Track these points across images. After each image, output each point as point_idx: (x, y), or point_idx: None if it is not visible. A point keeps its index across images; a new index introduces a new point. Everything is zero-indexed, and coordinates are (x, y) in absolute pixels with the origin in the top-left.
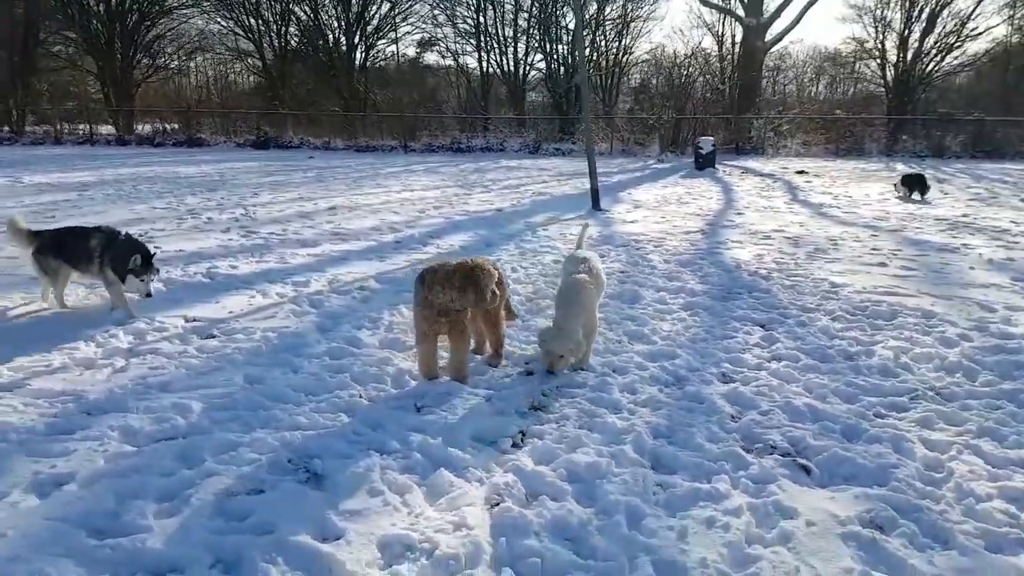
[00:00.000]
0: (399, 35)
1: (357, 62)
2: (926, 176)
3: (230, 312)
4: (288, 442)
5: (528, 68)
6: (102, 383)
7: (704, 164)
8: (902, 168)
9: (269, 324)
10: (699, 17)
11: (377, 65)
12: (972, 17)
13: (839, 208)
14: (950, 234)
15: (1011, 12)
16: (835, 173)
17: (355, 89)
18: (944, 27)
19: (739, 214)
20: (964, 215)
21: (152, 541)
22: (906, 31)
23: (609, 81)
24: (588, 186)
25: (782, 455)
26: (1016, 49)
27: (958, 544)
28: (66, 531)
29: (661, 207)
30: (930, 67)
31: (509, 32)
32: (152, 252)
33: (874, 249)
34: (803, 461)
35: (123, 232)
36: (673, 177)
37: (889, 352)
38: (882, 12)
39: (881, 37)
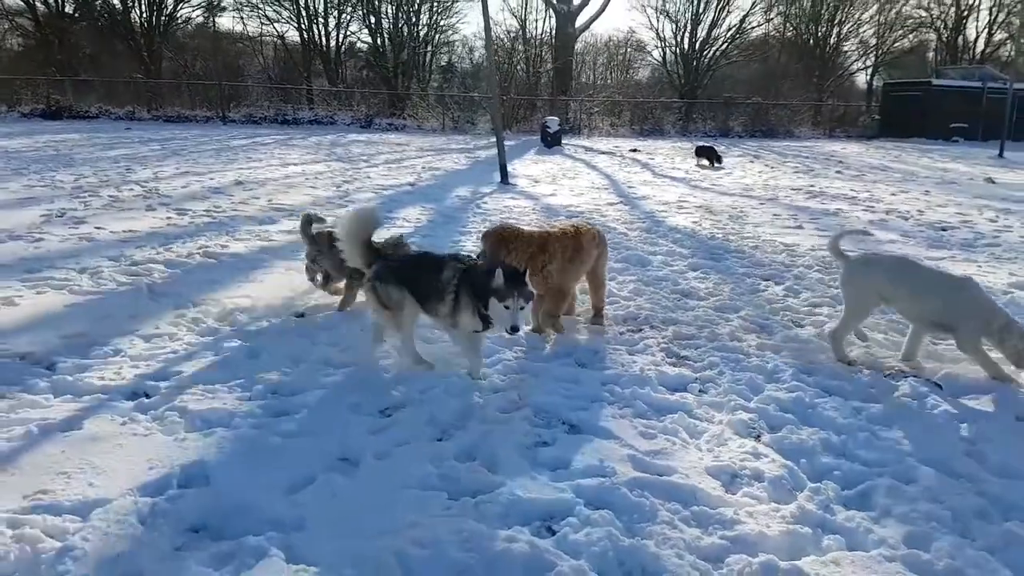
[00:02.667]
0: None
1: (145, 24)
2: (715, 147)
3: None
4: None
5: (344, 40)
6: None
7: (552, 143)
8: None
9: None
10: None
11: (174, 30)
12: (751, 12)
13: (701, 180)
14: (818, 200)
15: (779, 8)
16: (660, 150)
17: (154, 55)
18: (725, 18)
19: (632, 188)
20: (801, 186)
21: None
22: (689, 23)
23: (425, 59)
24: (461, 159)
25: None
26: (783, 40)
27: None
28: None
29: (557, 181)
30: (713, 55)
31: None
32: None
33: (775, 214)
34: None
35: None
36: (530, 154)
37: None
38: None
39: (661, 27)
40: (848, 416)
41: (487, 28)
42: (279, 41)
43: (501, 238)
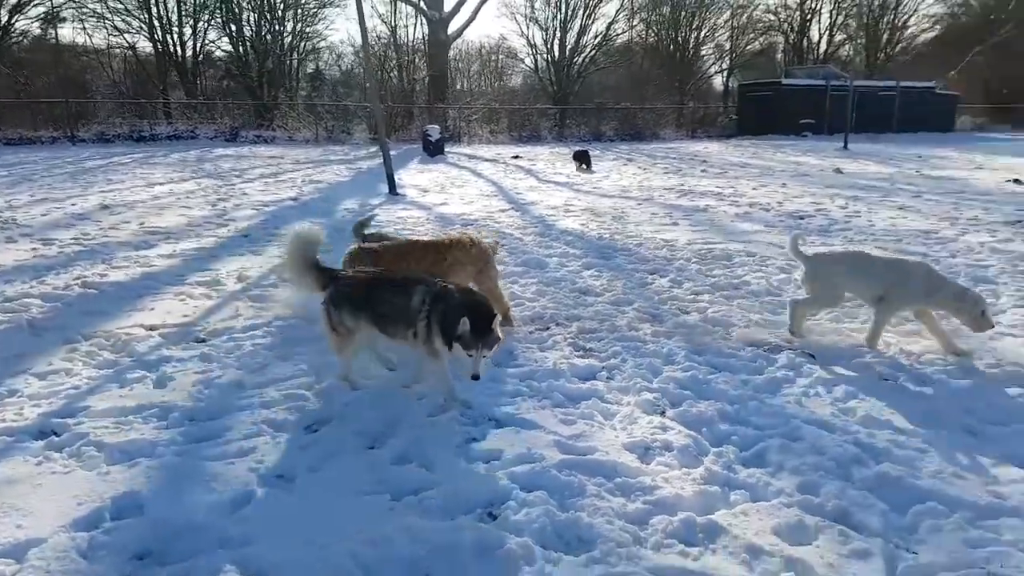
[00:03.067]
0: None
1: None
2: (588, 152)
3: (191, 315)
4: None
5: (201, 49)
6: None
7: (435, 151)
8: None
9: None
10: (373, 7)
11: (9, 45)
12: (616, 20)
13: (583, 184)
14: (688, 198)
15: (641, 15)
16: (540, 156)
17: None
18: (591, 25)
19: (520, 194)
20: (672, 185)
21: None
22: (558, 30)
23: (291, 68)
24: (343, 171)
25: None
26: (645, 47)
27: None
28: None
29: (446, 190)
30: (583, 62)
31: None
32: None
33: (653, 213)
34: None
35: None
36: (414, 163)
37: (761, 280)
38: (531, 11)
39: (531, 34)
40: (738, 388)
41: (363, 34)
42: (130, 53)
43: (353, 256)
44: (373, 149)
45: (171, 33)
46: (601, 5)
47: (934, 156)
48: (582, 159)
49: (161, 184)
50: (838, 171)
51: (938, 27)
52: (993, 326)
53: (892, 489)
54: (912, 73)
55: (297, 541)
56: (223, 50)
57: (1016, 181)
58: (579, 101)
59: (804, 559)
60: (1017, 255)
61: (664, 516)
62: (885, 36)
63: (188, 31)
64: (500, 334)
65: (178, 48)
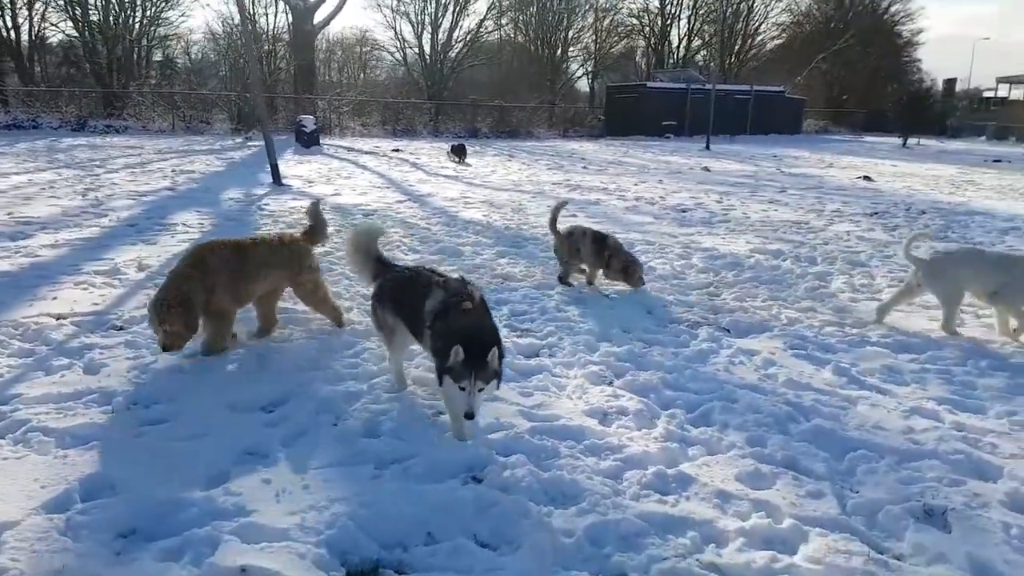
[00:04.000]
0: None
1: None
2: (465, 145)
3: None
4: None
5: (39, 33)
6: None
7: (310, 143)
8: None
9: None
10: None
11: None
12: (486, 18)
13: (473, 178)
14: (578, 192)
15: (510, 15)
16: (421, 150)
17: None
18: (462, 21)
19: (412, 186)
20: (559, 180)
21: None
22: (428, 25)
23: (144, 55)
24: (214, 161)
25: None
26: (514, 45)
27: None
28: None
29: (333, 182)
30: (456, 58)
31: None
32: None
33: (550, 206)
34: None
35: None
36: (288, 154)
37: (665, 265)
38: (399, 5)
39: (400, 27)
40: (671, 359)
41: (244, 20)
42: None
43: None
44: (239, 140)
45: (3, 15)
46: (472, 2)
47: (788, 156)
48: (459, 152)
49: (16, 174)
50: (706, 169)
51: (784, 35)
52: None
53: (827, 440)
54: (762, 78)
55: (295, 508)
56: (67, 34)
57: (866, 178)
58: (453, 97)
59: (769, 500)
60: (880, 242)
61: (637, 470)
62: (738, 43)
63: (23, 13)
64: (499, 367)
65: (12, 31)
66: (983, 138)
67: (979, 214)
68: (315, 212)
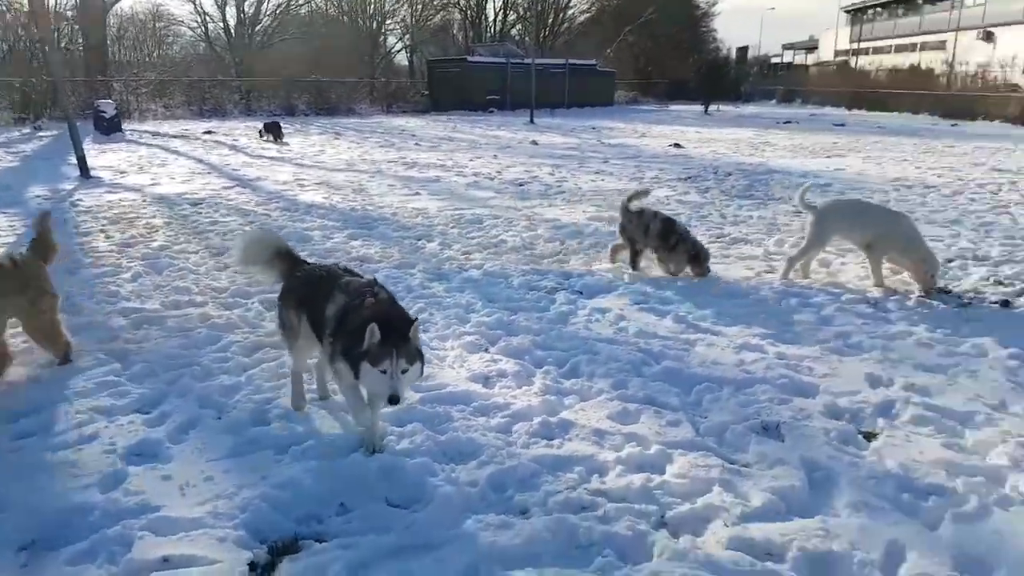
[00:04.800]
0: None
1: None
2: (279, 123)
3: None
4: None
5: None
6: None
7: (111, 129)
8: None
9: None
10: None
11: None
12: None
13: (302, 158)
14: (417, 170)
15: None
16: (236, 131)
17: None
18: None
19: (237, 170)
20: (395, 159)
21: None
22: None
23: None
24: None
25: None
26: (327, 18)
27: None
28: None
29: (146, 170)
30: (265, 31)
31: None
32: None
33: (390, 185)
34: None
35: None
36: (88, 144)
37: (515, 238)
38: None
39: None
40: (537, 323)
41: None
42: None
43: None
44: (27, 131)
45: None
46: None
47: (605, 127)
48: (273, 131)
49: None
50: (534, 143)
51: (593, 9)
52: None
53: (677, 377)
54: (576, 52)
55: (203, 498)
56: None
57: (676, 145)
58: (266, 73)
59: (637, 432)
60: (696, 203)
61: (524, 422)
62: (551, 17)
63: None
64: (421, 348)
65: None
66: (773, 101)
67: (777, 172)
68: (42, 224)
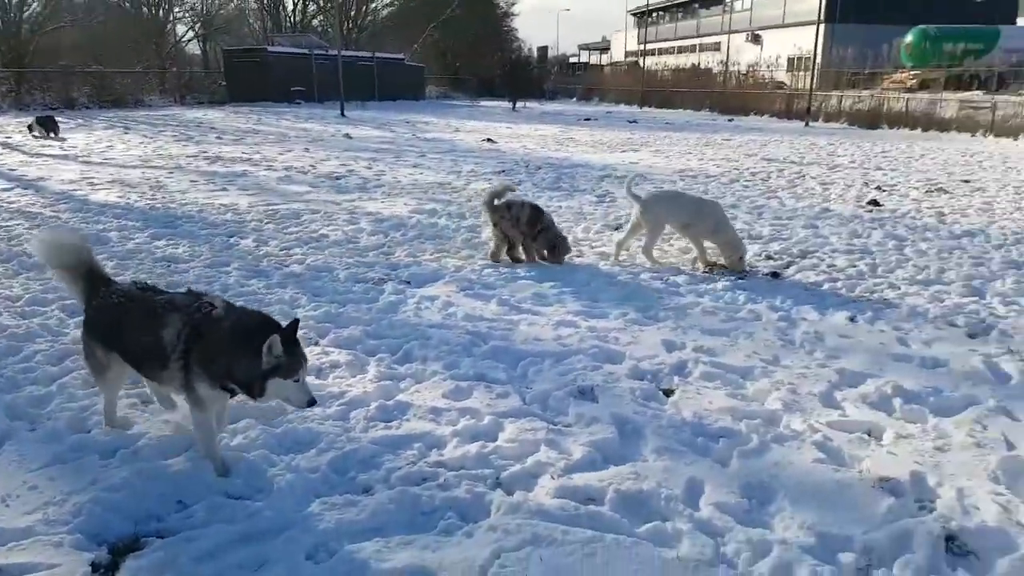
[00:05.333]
0: None
1: None
2: (55, 117)
3: None
4: None
5: None
6: None
7: None
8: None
9: None
10: None
11: None
12: None
13: (89, 155)
14: (220, 164)
15: None
16: (7, 127)
17: None
18: None
19: (13, 170)
20: (195, 153)
21: None
22: None
23: None
24: None
25: None
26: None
27: None
28: None
29: None
30: (34, 18)
31: None
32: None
33: (193, 181)
34: None
35: None
36: None
37: (337, 232)
38: None
39: None
40: (367, 314)
41: None
42: None
43: None
44: None
45: None
46: None
47: (420, 122)
48: (46, 125)
49: None
50: (348, 136)
51: (397, 3)
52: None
53: (503, 355)
54: (383, 46)
55: (31, 508)
56: None
57: (489, 140)
58: (40, 63)
59: (470, 406)
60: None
61: (361, 409)
62: (353, 10)
63: None
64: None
65: None
66: (574, 99)
67: (580, 166)
68: None
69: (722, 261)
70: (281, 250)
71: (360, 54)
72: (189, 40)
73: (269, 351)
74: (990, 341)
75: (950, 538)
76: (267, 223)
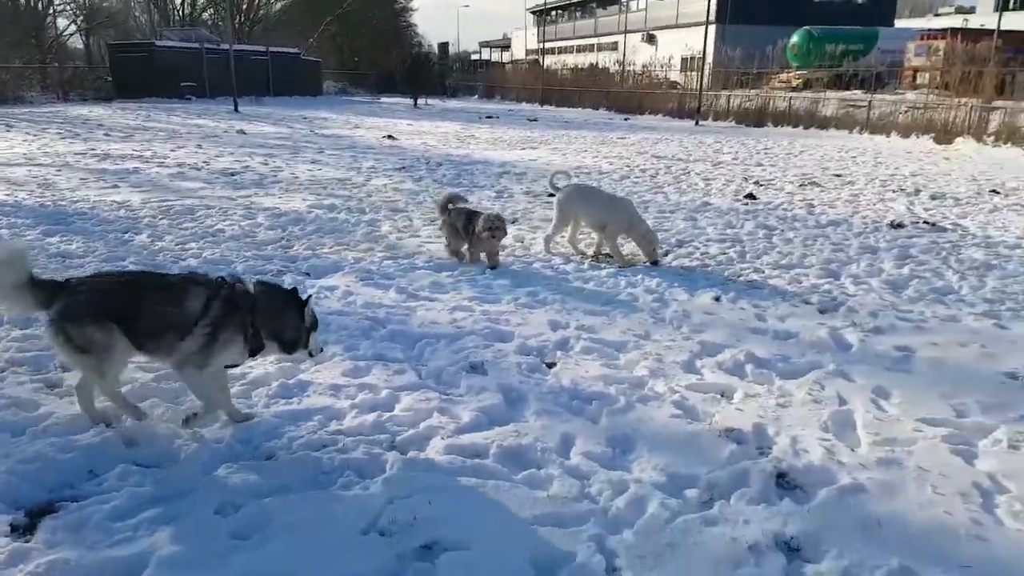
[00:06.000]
0: None
1: None
2: None
3: None
4: None
5: None
6: None
7: None
8: None
9: None
10: None
11: None
12: None
13: None
14: (111, 162)
15: None
16: None
17: None
18: None
19: None
20: (83, 151)
21: None
22: None
23: None
24: None
25: None
26: None
27: None
28: None
29: None
30: None
31: None
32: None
33: (83, 179)
34: None
35: None
36: None
37: (234, 227)
38: None
39: None
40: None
41: None
42: None
43: None
44: None
45: None
46: None
47: (317, 117)
48: None
49: None
50: (242, 132)
51: None
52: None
53: (401, 337)
54: (277, 40)
55: None
56: None
57: (390, 137)
58: None
59: (369, 382)
60: (411, 191)
61: (262, 388)
62: (245, 3)
63: None
64: None
65: None
66: (476, 97)
67: (480, 163)
68: None
69: (606, 251)
70: (177, 245)
71: (253, 48)
72: (72, 34)
73: (312, 316)
74: (838, 316)
75: (781, 475)
76: (161, 219)
